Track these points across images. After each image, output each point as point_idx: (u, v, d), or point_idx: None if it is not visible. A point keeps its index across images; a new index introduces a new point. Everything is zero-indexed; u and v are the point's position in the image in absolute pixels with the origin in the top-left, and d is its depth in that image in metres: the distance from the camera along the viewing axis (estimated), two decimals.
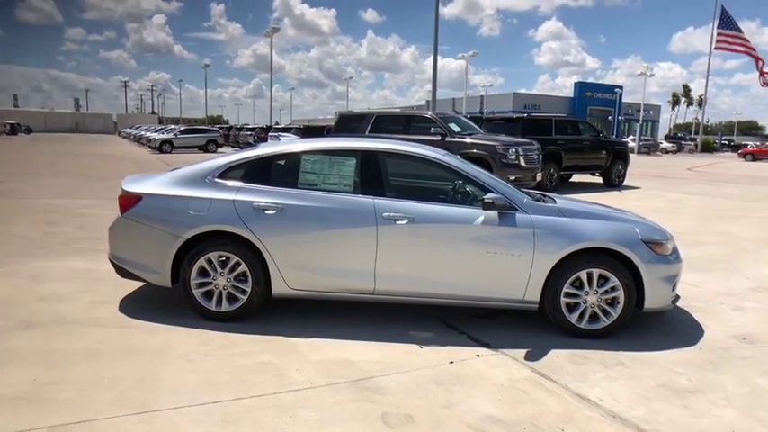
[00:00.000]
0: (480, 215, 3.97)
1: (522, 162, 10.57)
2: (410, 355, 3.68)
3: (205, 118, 77.00)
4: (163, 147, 29.11)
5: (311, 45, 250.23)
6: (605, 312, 4.00)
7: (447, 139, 10.87)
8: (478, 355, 3.69)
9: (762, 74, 44.30)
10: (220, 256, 4.04)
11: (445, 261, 4.00)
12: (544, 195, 4.59)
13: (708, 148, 53.56)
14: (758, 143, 52.43)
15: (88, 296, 4.55)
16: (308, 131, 25.03)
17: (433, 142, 10.95)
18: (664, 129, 78.31)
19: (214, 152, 30.62)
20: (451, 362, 3.58)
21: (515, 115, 15.49)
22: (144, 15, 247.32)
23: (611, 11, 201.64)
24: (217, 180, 4.15)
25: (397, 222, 3.94)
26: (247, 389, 3.07)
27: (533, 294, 3.99)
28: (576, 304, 4.01)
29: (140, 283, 4.74)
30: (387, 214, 3.96)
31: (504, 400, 3.10)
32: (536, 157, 11.11)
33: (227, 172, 4.18)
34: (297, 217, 4.00)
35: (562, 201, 4.36)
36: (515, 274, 3.97)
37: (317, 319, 4.21)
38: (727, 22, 45.71)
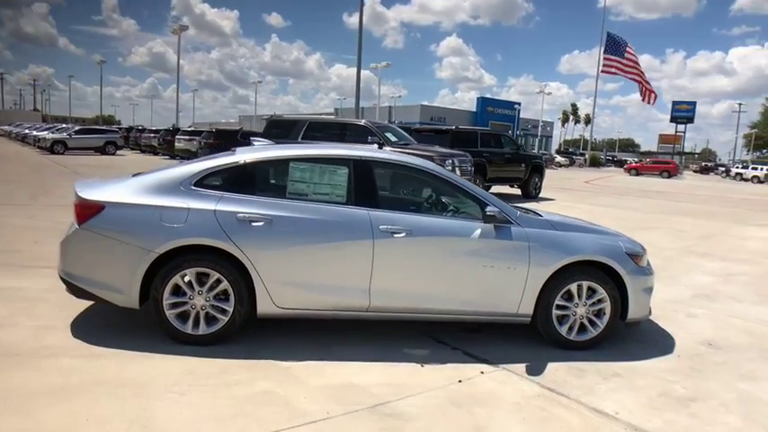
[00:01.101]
0: (477, 228, 3.90)
1: (458, 173, 10.75)
2: (414, 375, 3.51)
3: (99, 117, 71.32)
4: (55, 147, 26.43)
5: (212, 46, 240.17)
6: (592, 324, 4.09)
7: (384, 148, 10.78)
8: (482, 372, 3.60)
9: (646, 93, 49.03)
10: (198, 273, 3.63)
11: (442, 275, 3.88)
12: (527, 209, 4.62)
13: (595, 163, 58.21)
14: (637, 159, 57.98)
15: (29, 321, 3.90)
16: (220, 136, 23.93)
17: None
18: (554, 144, 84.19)
19: (113, 155, 28.39)
20: (460, 381, 3.45)
21: (444, 127, 15.80)
22: (21, 2, 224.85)
23: (507, 30, 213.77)
24: (193, 188, 3.73)
25: (395, 236, 3.77)
26: (260, 424, 2.75)
27: (527, 308, 3.98)
28: (566, 316, 4.05)
29: (86, 304, 4.17)
30: (384, 227, 3.76)
31: (528, 419, 3.02)
32: (469, 168, 11.37)
33: (204, 179, 3.77)
34: (286, 230, 3.69)
35: (547, 214, 4.41)
36: (511, 287, 3.94)
37: (302, 339, 3.91)
38: (612, 47, 50.20)
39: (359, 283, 3.77)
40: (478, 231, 3.89)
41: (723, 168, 56.82)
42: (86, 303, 4.19)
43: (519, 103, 70.15)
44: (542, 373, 3.65)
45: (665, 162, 45.42)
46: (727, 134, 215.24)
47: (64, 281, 3.70)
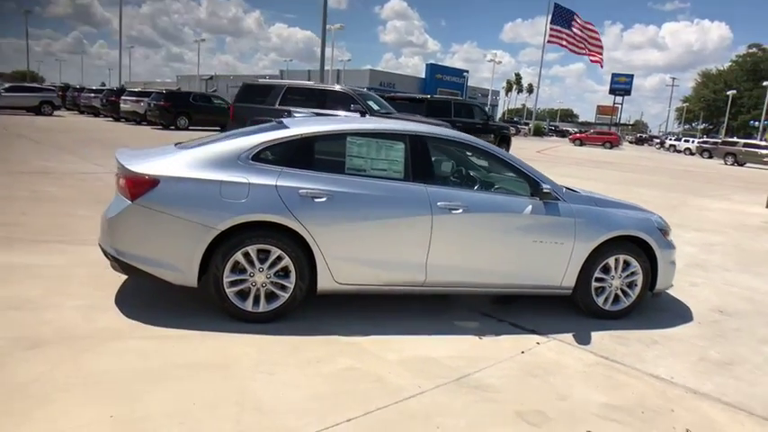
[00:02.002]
0: (528, 204, 4.01)
1: None
2: (478, 348, 3.63)
3: (27, 73, 65.91)
4: None
5: (143, 0, 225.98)
6: (625, 294, 4.33)
7: (367, 116, 10.68)
8: (538, 343, 3.77)
9: (595, 60, 50.31)
10: (259, 250, 3.55)
11: (495, 250, 3.99)
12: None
13: (539, 133, 59.84)
14: (577, 130, 60.07)
15: (69, 300, 3.70)
16: (171, 98, 22.82)
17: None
18: (499, 113, 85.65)
19: (50, 115, 26.52)
20: (522, 352, 3.60)
21: (418, 96, 15.76)
22: None
23: None
24: (252, 162, 3.61)
25: (452, 212, 3.81)
26: (362, 401, 2.78)
27: (569, 280, 4.16)
28: (602, 288, 4.27)
29: (117, 281, 4.03)
30: (442, 203, 3.80)
31: (601, 386, 3.21)
32: None
33: (262, 153, 3.65)
34: (347, 206, 3.66)
35: (583, 191, 4.57)
36: (557, 261, 4.10)
37: (352, 315, 3.93)
38: (559, 18, 51.04)
39: (416, 258, 3.81)
40: (530, 207, 4.00)
41: (658, 140, 59.88)
42: (118, 281, 4.05)
43: (467, 71, 70.64)
44: (590, 342, 3.86)
45: (608, 133, 47.40)
46: (657, 106, 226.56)
47: (115, 259, 3.51)
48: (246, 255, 3.53)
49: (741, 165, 33.52)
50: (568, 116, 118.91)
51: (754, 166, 33.11)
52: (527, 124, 65.00)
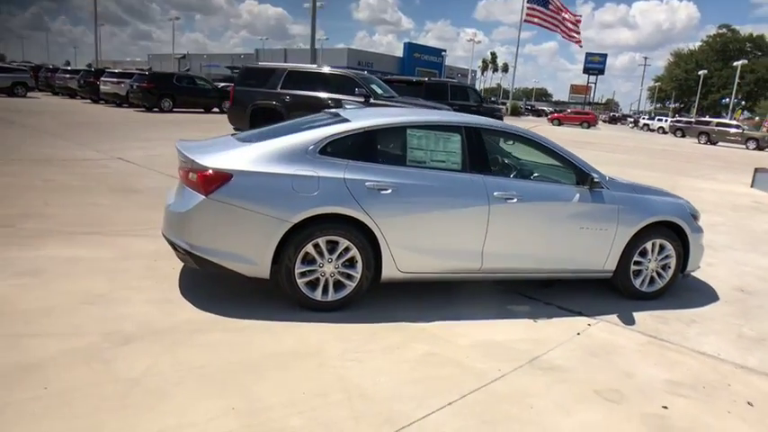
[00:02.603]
0: (576, 192, 4.20)
1: None
2: (536, 330, 3.82)
3: None
4: None
5: None
6: (660, 276, 4.58)
7: (371, 101, 10.71)
8: (589, 325, 3.99)
9: (574, 39, 50.66)
10: (328, 241, 3.66)
11: (545, 237, 4.17)
12: None
13: (516, 112, 60.33)
14: (552, 109, 60.77)
15: (137, 294, 3.76)
16: (155, 79, 22.30)
17: (357, 104, 10.74)
18: None
19: (23, 96, 25.71)
20: (578, 333, 3.82)
21: (415, 78, 15.78)
22: None
23: None
24: (319, 155, 3.69)
25: (508, 201, 3.97)
26: (453, 385, 2.95)
27: (611, 264, 4.39)
28: (640, 271, 4.51)
29: (174, 274, 4.11)
30: (498, 193, 3.95)
31: (659, 364, 3.45)
32: None
33: (328, 146, 3.74)
34: (410, 197, 3.78)
35: (622, 179, 4.77)
36: (601, 246, 4.31)
37: (410, 303, 4.08)
38: None
39: (473, 246, 3.97)
40: (578, 196, 4.19)
41: (631, 119, 61.05)
42: (173, 273, 4.15)
43: (444, 50, 70.48)
44: (635, 322, 4.09)
45: (585, 113, 48.10)
46: (627, 85, 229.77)
47: (190, 254, 3.57)
48: (316, 246, 3.64)
49: (714, 144, 34.54)
50: (543, 95, 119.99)
51: (725, 144, 34.16)
52: (504, 104, 65.50)
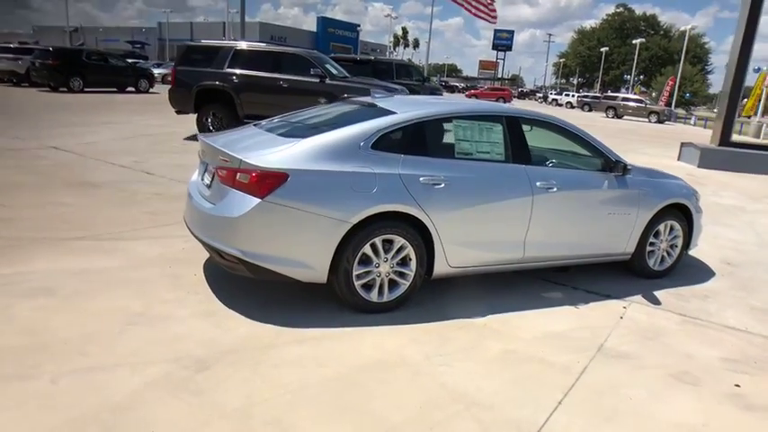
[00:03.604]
0: (605, 179, 4.31)
1: None
2: (582, 317, 3.91)
3: None
4: None
5: None
6: (669, 255, 4.85)
7: (327, 81, 10.37)
8: (624, 308, 4.14)
9: (485, 14, 51.71)
10: (384, 240, 3.50)
11: (580, 224, 4.26)
12: None
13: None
14: (462, 85, 62.31)
15: (178, 309, 3.40)
16: (60, 55, 20.23)
17: (312, 84, 10.37)
18: None
19: None
20: (621, 317, 3.95)
21: (360, 57, 15.44)
22: None
23: None
24: (372, 150, 3.49)
25: (549, 191, 4.00)
26: (549, 382, 2.95)
27: (631, 247, 4.58)
28: (653, 251, 4.74)
29: (201, 281, 3.81)
30: (540, 183, 3.97)
31: (704, 342, 3.65)
32: None
33: (380, 140, 3.54)
34: (461, 191, 3.70)
35: (634, 164, 4.94)
36: (625, 230, 4.48)
37: (454, 297, 4.03)
38: None
39: (517, 236, 3.97)
40: (606, 182, 4.30)
41: (540, 94, 64.00)
42: (197, 281, 3.87)
43: (359, 25, 69.74)
44: (660, 302, 4.31)
45: (501, 89, 49.82)
46: (530, 60, 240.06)
47: (244, 262, 3.26)
48: (373, 246, 3.47)
49: (620, 117, 37.11)
50: (453, 71, 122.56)
51: (629, 118, 36.82)
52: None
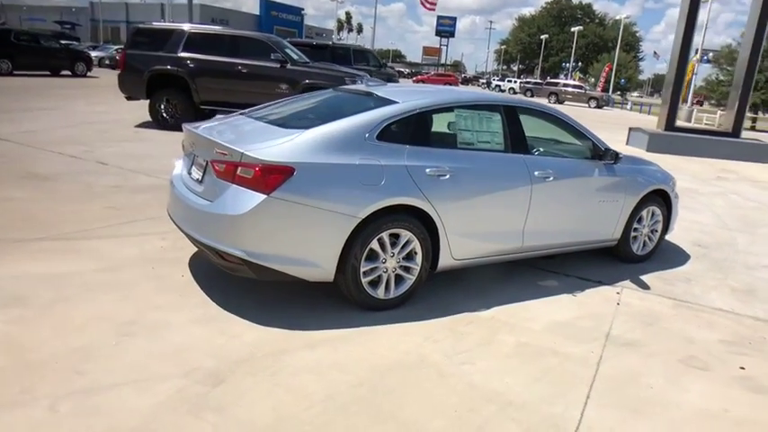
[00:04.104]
0: (596, 167, 4.33)
1: None
2: (581, 305, 3.93)
3: None
4: None
5: None
6: (650, 239, 4.97)
7: (288, 66, 10.00)
8: (618, 293, 4.20)
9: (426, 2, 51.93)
10: (391, 234, 3.36)
11: (574, 212, 4.27)
12: None
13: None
14: (408, 71, 62.43)
15: (174, 315, 3.14)
16: None
17: (273, 70, 9.98)
18: None
19: None
20: (618, 304, 4.00)
21: (317, 42, 15.02)
22: None
23: None
24: (377, 141, 3.33)
25: (546, 180, 3.97)
26: (570, 375, 2.93)
27: (618, 233, 4.66)
28: (636, 237, 4.84)
29: (189, 281, 3.57)
30: (538, 172, 3.93)
31: (701, 326, 3.75)
32: None
33: (385, 130, 3.38)
34: (465, 181, 3.61)
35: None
36: (613, 217, 4.53)
37: (453, 290, 3.96)
38: None
39: (516, 226, 3.94)
40: (597, 170, 4.33)
41: (483, 80, 64.94)
42: (184, 282, 3.62)
43: (303, 9, 68.32)
44: (649, 287, 4.40)
45: (448, 75, 50.20)
46: (470, 47, 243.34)
47: (247, 263, 3.03)
48: (381, 241, 3.32)
49: (561, 102, 38.20)
50: (397, 57, 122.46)
51: (570, 104, 37.98)
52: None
